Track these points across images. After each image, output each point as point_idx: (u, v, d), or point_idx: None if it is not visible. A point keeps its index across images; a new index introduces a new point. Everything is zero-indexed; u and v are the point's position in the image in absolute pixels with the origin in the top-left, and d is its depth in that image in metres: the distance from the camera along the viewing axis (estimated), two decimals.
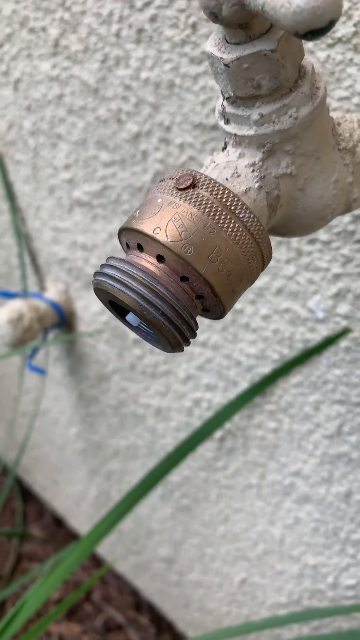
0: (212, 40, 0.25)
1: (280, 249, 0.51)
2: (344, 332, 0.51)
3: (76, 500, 1.16)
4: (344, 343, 0.51)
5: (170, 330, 0.24)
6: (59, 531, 1.36)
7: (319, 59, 0.42)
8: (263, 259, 0.26)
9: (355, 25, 0.40)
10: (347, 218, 0.46)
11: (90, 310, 0.78)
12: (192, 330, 0.25)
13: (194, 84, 0.50)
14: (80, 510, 1.18)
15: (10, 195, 0.79)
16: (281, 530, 0.69)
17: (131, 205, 0.63)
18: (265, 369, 0.60)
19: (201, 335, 0.64)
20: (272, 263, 0.53)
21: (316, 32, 0.19)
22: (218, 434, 0.70)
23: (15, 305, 0.76)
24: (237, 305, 0.58)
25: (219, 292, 0.24)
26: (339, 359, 0.53)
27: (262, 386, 0.60)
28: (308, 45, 0.43)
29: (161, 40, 0.51)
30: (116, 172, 0.62)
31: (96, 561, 1.27)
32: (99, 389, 0.86)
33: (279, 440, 0.63)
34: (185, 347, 0.26)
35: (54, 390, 0.98)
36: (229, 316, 0.60)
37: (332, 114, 0.30)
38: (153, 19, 0.50)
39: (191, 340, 0.25)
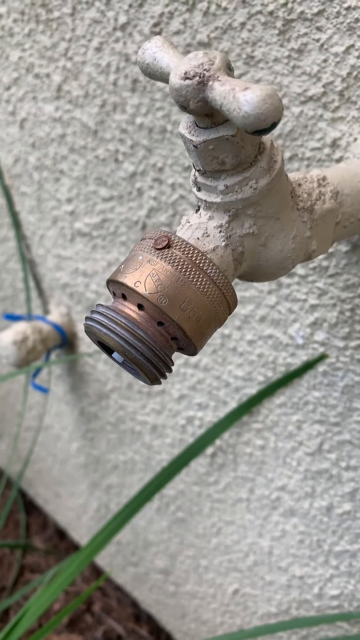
0: (184, 124, 0.29)
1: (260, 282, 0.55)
2: (321, 357, 0.55)
3: (77, 513, 1.20)
4: (321, 367, 0.56)
5: (148, 367, 0.29)
6: (61, 543, 1.40)
7: (294, 114, 0.47)
8: (229, 305, 0.30)
9: (324, 86, 0.44)
10: (321, 255, 0.50)
11: None
12: (168, 367, 0.30)
13: None
14: (81, 523, 1.21)
15: (16, 224, 0.84)
16: (270, 542, 0.73)
17: (128, 237, 0.68)
18: (252, 390, 0.64)
19: (193, 358, 0.68)
20: (255, 293, 0.57)
21: (262, 132, 0.24)
22: (209, 450, 0.74)
23: (20, 328, 0.80)
24: (226, 331, 0.63)
25: (190, 335, 0.29)
26: (318, 382, 0.57)
27: (249, 406, 0.64)
28: (284, 101, 0.47)
29: (154, 90, 0.56)
30: (114, 207, 0.67)
31: (97, 573, 1.30)
32: (99, 407, 0.90)
33: (265, 456, 0.67)
34: (162, 381, 0.30)
35: (56, 407, 1.03)
36: (217, 340, 0.64)
37: (295, 175, 0.35)
38: None
39: (167, 375, 0.30)
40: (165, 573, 0.99)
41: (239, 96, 0.24)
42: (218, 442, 0.72)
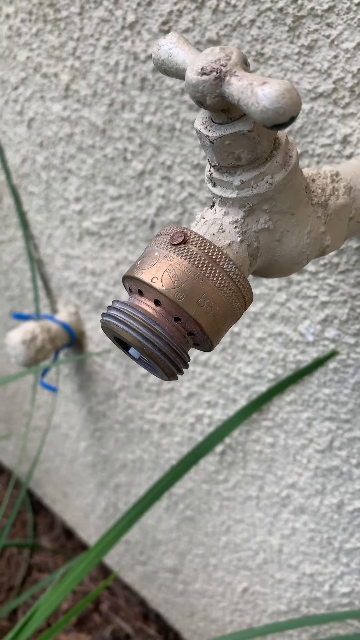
0: (200, 119, 0.29)
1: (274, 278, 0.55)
2: (332, 354, 0.55)
3: (85, 512, 1.20)
4: (332, 364, 0.56)
5: (165, 363, 0.29)
6: (69, 542, 1.40)
7: (304, 110, 0.47)
8: (245, 301, 0.30)
9: (334, 82, 0.44)
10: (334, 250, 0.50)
11: (99, 331, 0.83)
12: (185, 363, 0.30)
13: (192, 128, 0.55)
14: (89, 522, 1.22)
15: (24, 224, 0.84)
16: (279, 540, 0.73)
17: (136, 235, 0.68)
18: (262, 387, 0.64)
19: (202, 355, 0.68)
20: (265, 290, 0.57)
21: (280, 126, 0.24)
22: (219, 448, 0.74)
23: (29, 327, 0.80)
24: (235, 329, 0.63)
25: (207, 330, 0.29)
26: (328, 379, 0.57)
27: (259, 404, 0.64)
28: None
29: (162, 88, 0.56)
30: (123, 205, 0.67)
31: (105, 572, 1.30)
32: (107, 405, 0.90)
33: (275, 454, 0.67)
34: (179, 376, 0.30)
35: (64, 406, 1.03)
36: (227, 338, 0.64)
37: (308, 171, 0.35)
38: (155, 69, 0.55)
39: (184, 370, 0.30)
40: (174, 572, 0.99)
41: (257, 90, 0.24)
42: (227, 440, 0.72)
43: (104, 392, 0.89)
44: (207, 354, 0.68)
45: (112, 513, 1.09)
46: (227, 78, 0.25)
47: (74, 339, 0.86)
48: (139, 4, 0.53)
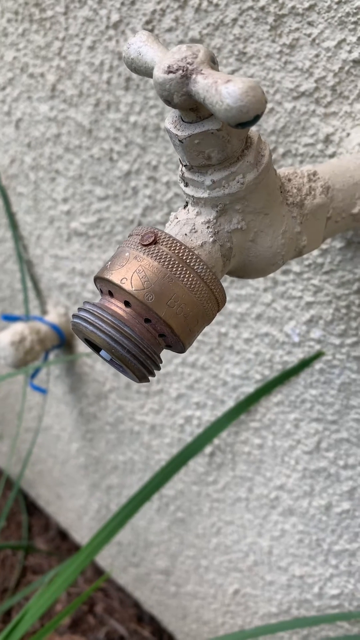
0: (170, 118, 0.29)
1: (259, 278, 0.55)
2: (318, 355, 0.54)
3: (78, 514, 1.20)
4: (318, 365, 0.55)
5: (135, 365, 0.28)
6: (64, 544, 1.40)
7: (286, 110, 0.47)
8: (217, 302, 0.30)
9: (316, 81, 0.44)
10: (316, 252, 0.50)
11: None
12: (156, 364, 0.29)
13: None
14: (82, 524, 1.21)
15: (13, 225, 0.83)
16: (269, 542, 0.73)
17: (124, 236, 0.67)
18: (249, 388, 0.64)
19: (190, 356, 0.68)
20: (251, 291, 0.57)
21: (245, 124, 0.24)
22: (208, 449, 0.73)
23: (18, 328, 0.80)
24: (222, 329, 0.62)
25: (178, 332, 0.29)
26: (315, 379, 0.56)
27: (246, 405, 0.64)
28: (276, 97, 0.47)
29: (147, 88, 0.56)
30: (110, 206, 0.67)
31: (99, 574, 1.30)
32: (98, 407, 0.90)
33: (263, 455, 0.67)
34: (150, 378, 0.30)
35: (55, 408, 1.02)
36: (214, 339, 0.64)
37: (285, 170, 0.34)
38: None
39: (155, 372, 0.29)
40: (166, 573, 0.99)
41: (221, 89, 0.23)
42: (216, 441, 0.71)
43: (94, 394, 0.89)
44: (194, 355, 0.67)
45: (105, 514, 1.09)
46: (194, 76, 0.25)
47: (63, 340, 0.85)
48: (122, 4, 0.53)
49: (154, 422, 0.80)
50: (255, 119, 0.24)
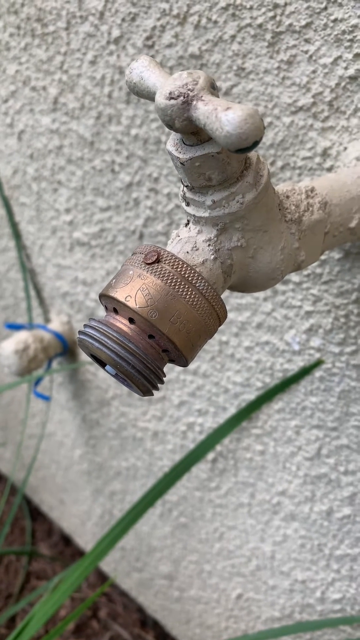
0: (171, 141, 0.30)
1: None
2: (318, 363, 0.55)
3: (82, 519, 1.21)
4: (318, 373, 0.56)
5: (140, 380, 0.29)
6: (67, 549, 1.40)
7: (285, 124, 0.48)
8: (219, 318, 0.31)
9: (313, 96, 0.45)
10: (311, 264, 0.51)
11: None
12: (160, 379, 0.30)
13: None
14: (86, 529, 1.22)
15: (16, 234, 0.84)
16: (272, 547, 0.73)
17: (125, 246, 0.68)
18: (251, 395, 0.65)
19: (192, 364, 0.69)
20: (251, 300, 0.58)
21: (244, 150, 0.25)
22: (210, 456, 0.74)
23: (21, 337, 0.81)
24: (223, 338, 0.63)
25: (181, 347, 0.29)
26: (315, 387, 0.57)
27: (248, 412, 0.64)
28: (274, 111, 0.48)
29: (148, 101, 0.57)
30: (112, 216, 0.68)
31: (103, 579, 1.30)
32: (101, 414, 0.91)
33: (265, 462, 0.68)
34: (158, 390, 0.31)
35: (58, 414, 1.03)
36: (216, 347, 0.65)
37: (283, 187, 0.35)
38: None
39: (159, 386, 0.30)
40: (169, 578, 1.00)
41: (221, 116, 0.24)
42: (218, 447, 0.72)
43: (97, 400, 0.90)
44: (196, 363, 0.68)
45: (108, 520, 1.09)
46: (194, 102, 0.26)
47: (66, 348, 0.86)
48: (123, 20, 0.54)
49: (157, 429, 0.81)
50: (254, 144, 0.24)
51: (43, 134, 0.70)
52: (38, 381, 0.88)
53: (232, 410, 0.68)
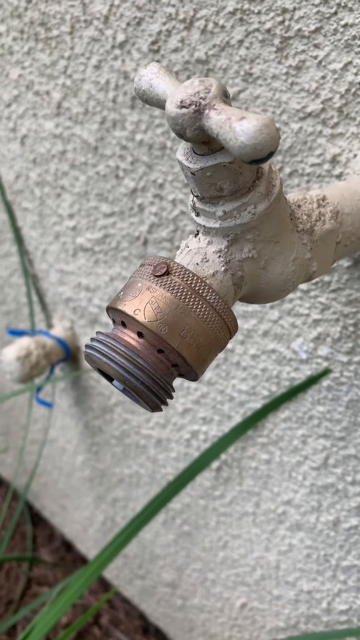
0: (182, 150, 0.29)
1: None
2: (325, 372, 0.54)
3: (84, 525, 1.20)
4: (326, 382, 0.55)
5: (149, 396, 0.28)
6: (68, 555, 1.39)
7: (293, 130, 0.47)
8: (230, 331, 0.30)
9: (322, 102, 0.44)
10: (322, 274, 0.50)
11: None
12: (169, 394, 0.29)
13: None
14: (87, 535, 1.21)
15: (19, 239, 0.84)
16: (277, 556, 0.72)
17: (129, 252, 0.67)
18: (256, 404, 0.64)
19: None
20: (258, 308, 0.57)
21: (258, 161, 0.24)
22: (215, 464, 0.73)
23: (24, 343, 0.80)
24: (229, 345, 0.62)
25: (191, 362, 0.29)
26: (322, 396, 0.56)
27: (254, 420, 0.64)
28: (282, 117, 0.47)
29: (152, 107, 0.56)
30: (116, 222, 0.67)
31: (104, 585, 1.29)
32: (103, 420, 0.90)
33: (271, 471, 0.67)
34: (163, 408, 0.30)
35: (60, 420, 1.02)
36: (221, 355, 0.64)
37: (294, 196, 0.35)
38: None
39: (168, 402, 0.30)
40: (172, 586, 0.99)
41: (235, 126, 0.23)
42: (223, 456, 0.71)
43: (99, 407, 0.89)
44: None
45: (110, 527, 1.08)
46: (206, 111, 0.25)
47: (69, 354, 0.85)
48: (128, 24, 0.53)
49: (160, 436, 0.80)
50: (269, 155, 0.24)
51: (46, 138, 0.70)
52: (40, 388, 0.87)
53: (237, 419, 0.67)
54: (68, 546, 1.40)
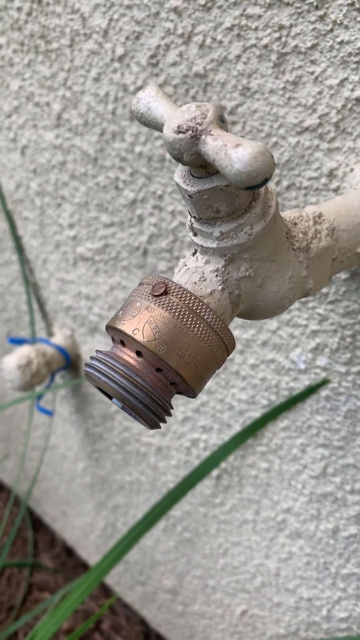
0: (179, 172, 0.30)
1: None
2: (324, 382, 0.55)
3: (84, 531, 1.20)
4: (324, 392, 0.56)
5: (147, 414, 0.29)
6: (69, 561, 1.40)
7: (291, 144, 0.48)
8: (227, 349, 0.30)
9: (319, 117, 0.45)
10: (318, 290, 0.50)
11: None
12: (167, 412, 0.30)
13: None
14: (88, 541, 1.21)
15: (19, 248, 0.84)
16: (277, 564, 0.73)
17: (129, 262, 0.68)
18: (256, 413, 0.64)
19: None
20: None
21: (253, 187, 0.24)
22: (215, 472, 0.74)
23: (24, 352, 0.81)
24: None
25: (189, 380, 0.29)
26: (321, 406, 0.57)
27: (253, 429, 0.64)
28: (280, 131, 0.48)
29: (151, 129, 0.56)
30: (115, 232, 0.67)
31: (105, 591, 1.30)
32: (104, 427, 0.91)
33: (270, 479, 0.67)
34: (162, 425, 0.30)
35: (61, 427, 1.03)
36: None
37: (291, 214, 0.35)
38: None
39: (167, 419, 0.30)
40: (173, 593, 0.99)
41: (231, 153, 0.24)
42: (223, 464, 0.72)
43: (100, 414, 0.89)
44: None
45: (111, 533, 1.09)
46: (203, 137, 0.26)
47: (69, 362, 0.86)
48: (127, 38, 0.54)
49: (161, 444, 0.81)
50: (264, 182, 0.24)
51: (46, 149, 0.70)
52: (41, 396, 0.87)
53: (236, 428, 0.68)
54: (69, 552, 1.40)
